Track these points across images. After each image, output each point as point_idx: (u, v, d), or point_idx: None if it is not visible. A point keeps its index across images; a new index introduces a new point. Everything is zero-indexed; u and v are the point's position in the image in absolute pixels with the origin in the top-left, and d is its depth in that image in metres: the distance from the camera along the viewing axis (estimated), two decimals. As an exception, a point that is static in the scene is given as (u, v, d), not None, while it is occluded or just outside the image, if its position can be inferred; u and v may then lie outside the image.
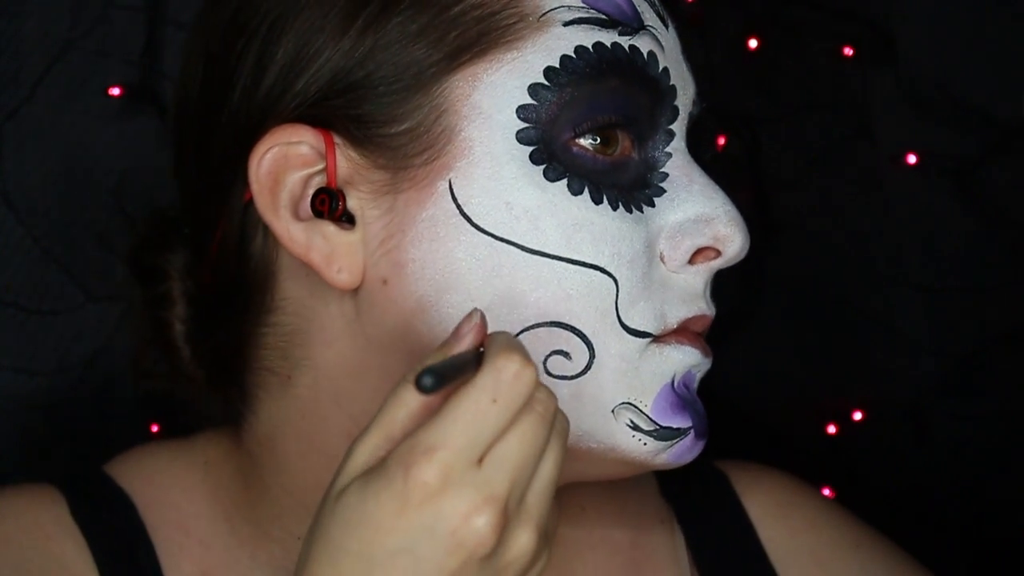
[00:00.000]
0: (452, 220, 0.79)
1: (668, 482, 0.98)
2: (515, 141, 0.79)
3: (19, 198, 1.12)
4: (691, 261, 0.83)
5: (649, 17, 0.84)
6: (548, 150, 0.80)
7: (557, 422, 0.72)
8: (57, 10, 1.13)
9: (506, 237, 0.79)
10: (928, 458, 1.24)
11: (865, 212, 1.23)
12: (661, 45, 0.83)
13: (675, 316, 0.82)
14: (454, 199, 0.79)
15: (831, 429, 1.23)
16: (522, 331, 0.79)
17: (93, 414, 1.14)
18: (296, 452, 0.86)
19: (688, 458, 0.83)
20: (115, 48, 1.14)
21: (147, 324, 0.92)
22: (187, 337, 0.91)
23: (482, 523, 0.68)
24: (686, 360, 0.82)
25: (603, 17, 0.81)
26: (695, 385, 0.84)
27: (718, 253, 0.83)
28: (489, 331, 0.74)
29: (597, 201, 0.80)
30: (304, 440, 0.85)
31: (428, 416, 0.71)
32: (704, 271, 0.83)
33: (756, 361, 1.25)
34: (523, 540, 0.70)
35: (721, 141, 1.23)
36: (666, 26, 0.85)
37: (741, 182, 1.24)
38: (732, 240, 0.82)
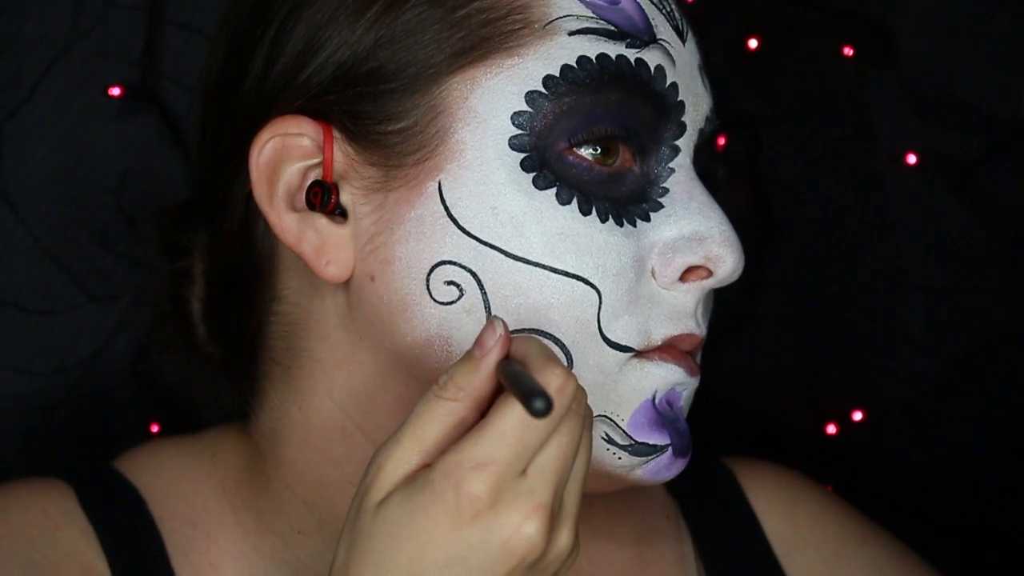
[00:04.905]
0: (439, 221, 0.79)
1: (674, 477, 0.98)
2: (507, 147, 0.79)
3: (19, 198, 1.12)
4: (682, 279, 0.82)
5: (663, 31, 0.83)
6: (540, 158, 0.79)
7: (587, 416, 0.73)
8: (57, 10, 1.12)
9: (490, 241, 0.79)
10: (928, 458, 1.24)
11: (865, 212, 1.23)
12: (672, 60, 0.83)
13: (660, 333, 0.81)
14: (442, 200, 0.79)
15: (831, 429, 1.23)
16: None
17: (93, 414, 1.14)
18: (294, 446, 0.87)
19: (666, 475, 0.83)
20: (115, 48, 1.14)
21: (166, 299, 0.93)
22: (203, 316, 0.92)
23: (533, 530, 0.70)
24: (668, 377, 0.82)
25: (611, 28, 0.81)
26: (681, 403, 0.83)
27: (710, 273, 0.82)
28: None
29: (585, 212, 0.79)
30: (301, 433, 0.86)
31: (460, 429, 0.72)
32: (696, 290, 0.82)
33: (756, 361, 1.25)
34: (564, 540, 0.72)
35: (721, 141, 1.23)
36: (683, 40, 0.84)
37: (741, 182, 1.24)
38: (724, 261, 0.82)
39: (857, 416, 1.23)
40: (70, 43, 1.13)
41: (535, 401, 0.67)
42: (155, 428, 1.15)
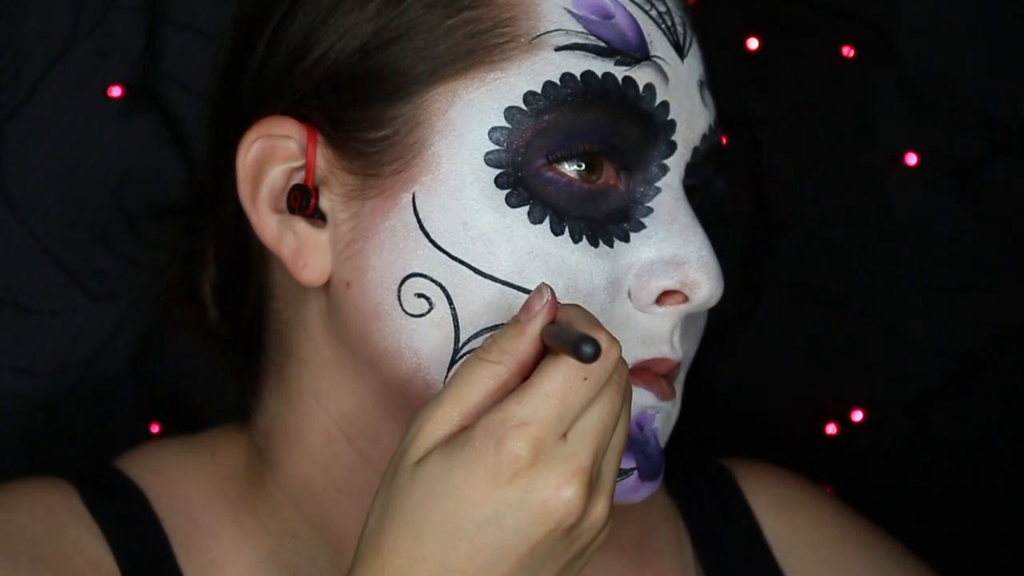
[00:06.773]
0: (412, 233, 0.79)
1: (673, 479, 0.98)
2: (482, 162, 0.79)
3: (19, 198, 1.12)
4: (659, 302, 0.81)
5: (659, 47, 0.82)
6: (516, 175, 0.79)
7: (627, 390, 0.73)
8: (57, 10, 1.12)
9: (461, 257, 0.78)
10: (928, 458, 1.23)
11: (865, 212, 1.23)
12: (666, 77, 0.82)
13: (632, 356, 0.81)
14: (416, 213, 0.79)
15: (831, 429, 1.23)
16: (468, 352, 0.78)
17: (93, 414, 1.14)
18: (285, 448, 0.87)
19: (633, 498, 0.82)
20: (115, 48, 1.14)
21: (181, 280, 0.94)
22: (214, 299, 0.92)
23: (571, 494, 0.69)
24: (637, 400, 0.81)
25: (601, 45, 0.80)
26: (655, 425, 0.82)
27: (687, 298, 0.81)
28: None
29: (557, 232, 0.79)
30: (291, 435, 0.87)
31: (502, 393, 0.71)
32: (672, 314, 0.81)
33: (756, 361, 1.25)
34: (600, 508, 0.72)
35: (722, 141, 1.23)
36: (682, 56, 0.83)
37: (741, 182, 1.24)
38: (699, 287, 0.81)
39: (857, 416, 1.23)
40: (70, 43, 1.13)
41: (583, 346, 0.67)
42: (155, 428, 1.15)
